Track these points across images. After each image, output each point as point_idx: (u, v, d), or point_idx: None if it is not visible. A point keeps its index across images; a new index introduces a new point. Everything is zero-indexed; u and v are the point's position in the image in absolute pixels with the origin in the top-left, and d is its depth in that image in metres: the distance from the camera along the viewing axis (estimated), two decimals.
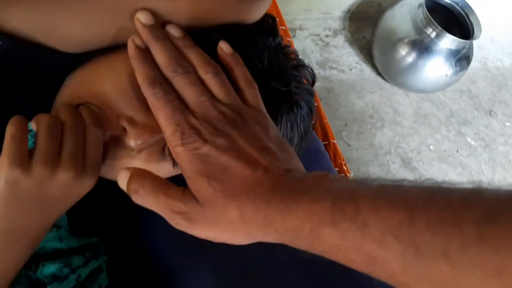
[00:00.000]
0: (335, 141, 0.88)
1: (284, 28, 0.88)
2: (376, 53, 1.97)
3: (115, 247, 0.56)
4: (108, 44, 0.44)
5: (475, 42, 2.50)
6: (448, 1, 1.87)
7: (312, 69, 0.53)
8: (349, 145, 1.75)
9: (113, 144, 0.43)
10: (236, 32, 0.44)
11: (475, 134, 2.09)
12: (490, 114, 2.22)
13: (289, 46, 0.52)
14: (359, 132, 1.81)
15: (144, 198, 0.35)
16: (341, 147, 1.70)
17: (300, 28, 1.98)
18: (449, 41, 1.77)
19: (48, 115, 0.38)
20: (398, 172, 1.78)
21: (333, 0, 1.98)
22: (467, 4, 1.84)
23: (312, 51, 1.94)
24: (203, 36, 0.42)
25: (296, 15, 1.96)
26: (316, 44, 1.98)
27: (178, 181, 0.37)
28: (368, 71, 2.03)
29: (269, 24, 0.49)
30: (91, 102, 0.41)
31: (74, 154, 0.38)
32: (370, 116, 1.89)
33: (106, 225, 0.59)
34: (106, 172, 0.44)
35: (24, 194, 0.36)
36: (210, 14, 0.43)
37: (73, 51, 0.44)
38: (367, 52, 2.06)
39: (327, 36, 2.04)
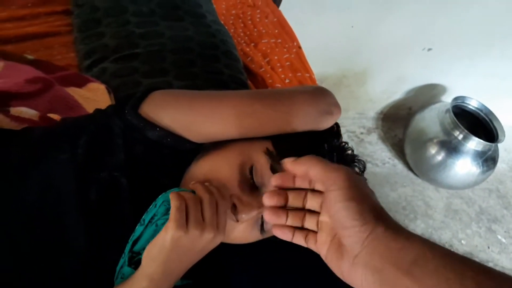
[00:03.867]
0: None
1: None
2: (407, 150, 2.16)
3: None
4: (225, 139, 0.63)
5: (502, 146, 2.68)
6: (473, 108, 2.08)
7: (363, 161, 0.71)
8: None
9: (225, 215, 0.60)
10: (314, 137, 0.63)
11: (505, 232, 2.16)
12: None
13: (347, 144, 0.70)
14: None
15: None
16: None
17: None
18: (475, 143, 1.94)
19: (192, 194, 0.55)
20: None
21: (367, 102, 2.23)
22: (490, 111, 2.05)
23: None
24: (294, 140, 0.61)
25: None
26: (352, 140, 2.20)
27: None
28: (400, 166, 2.20)
29: (335, 130, 0.68)
30: (213, 183, 0.59)
31: (213, 220, 0.54)
32: (403, 208, 2.01)
33: (200, 271, 0.73)
34: None
35: (181, 247, 0.51)
36: (299, 128, 0.62)
37: (200, 142, 0.64)
38: (399, 149, 2.25)
39: (362, 133, 2.26)
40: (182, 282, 0.66)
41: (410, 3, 1.69)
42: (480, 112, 2.08)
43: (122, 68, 0.92)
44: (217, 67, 0.99)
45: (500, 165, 2.56)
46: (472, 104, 2.08)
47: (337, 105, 0.66)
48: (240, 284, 0.71)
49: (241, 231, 0.61)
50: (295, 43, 1.22)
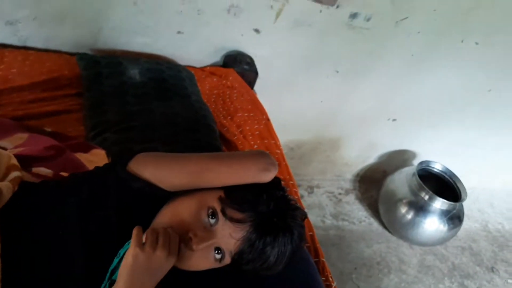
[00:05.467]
0: (324, 260, 1.16)
1: (292, 182, 1.29)
2: (381, 210, 2.36)
3: None
4: (191, 188, 0.85)
5: (475, 206, 2.87)
6: (438, 171, 2.31)
7: (305, 212, 0.91)
8: (358, 286, 2.01)
9: (183, 247, 0.80)
10: (257, 189, 0.85)
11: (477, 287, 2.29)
12: (492, 271, 2.43)
13: (290, 196, 0.91)
14: (368, 276, 2.08)
15: None
16: None
17: (317, 186, 2.44)
18: (440, 203, 2.15)
19: (152, 229, 0.75)
20: None
21: (344, 165, 2.47)
22: (453, 174, 2.27)
23: (327, 205, 2.36)
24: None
25: (314, 175, 2.44)
26: (331, 199, 2.41)
27: None
28: (375, 224, 2.39)
29: (276, 183, 0.90)
30: (173, 226, 0.79)
31: (165, 244, 0.73)
32: (378, 263, 2.17)
33: None
34: (176, 262, 0.81)
35: (140, 263, 0.71)
36: (244, 180, 0.84)
37: (172, 190, 0.86)
38: (374, 209, 2.45)
39: (340, 194, 2.47)
40: None
41: (372, 81, 1.98)
42: (445, 175, 2.31)
43: (120, 138, 1.17)
44: (196, 136, 1.24)
45: (473, 224, 2.74)
46: (437, 167, 2.31)
47: (273, 164, 0.88)
48: None
49: (197, 259, 0.80)
50: (264, 116, 1.48)
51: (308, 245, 1.16)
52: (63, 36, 1.38)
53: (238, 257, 0.78)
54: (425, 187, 2.15)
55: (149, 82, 1.35)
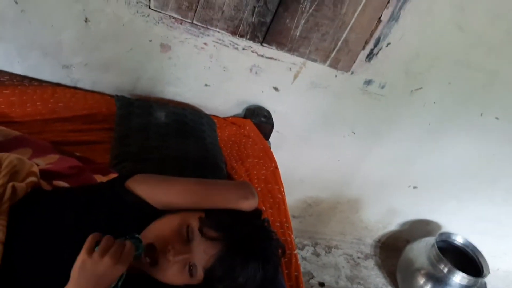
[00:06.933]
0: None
1: (288, 225, 1.37)
2: (399, 278, 2.30)
3: None
4: (177, 208, 0.97)
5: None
6: (459, 243, 2.25)
7: (283, 245, 0.99)
8: None
9: (162, 258, 0.90)
10: (236, 214, 0.95)
11: None
12: None
13: (269, 228, 1.00)
14: None
15: None
16: None
17: (336, 247, 2.44)
18: (459, 277, 2.07)
19: (108, 237, 0.79)
20: None
21: (363, 229, 2.47)
22: (476, 248, 2.20)
23: (343, 267, 2.34)
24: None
25: (333, 236, 2.46)
26: (348, 262, 2.39)
27: None
28: None
29: (257, 214, 1.00)
30: (157, 240, 0.90)
31: (116, 253, 0.76)
32: None
33: None
34: (155, 273, 0.90)
35: (87, 268, 0.74)
36: (223, 205, 0.95)
37: (160, 208, 0.98)
38: (393, 277, 2.39)
39: (358, 257, 2.45)
40: None
41: (389, 146, 2.05)
42: (467, 249, 2.24)
43: (136, 167, 1.34)
44: (203, 172, 1.39)
45: None
46: (458, 239, 2.26)
47: (252, 194, 0.99)
48: None
49: (173, 271, 0.90)
50: (273, 164, 1.61)
51: (291, 284, 1.22)
52: (107, 81, 1.63)
53: (209, 273, 0.87)
54: (444, 258, 2.10)
55: (172, 123, 1.54)
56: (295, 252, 1.33)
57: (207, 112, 1.76)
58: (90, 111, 1.52)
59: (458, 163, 2.15)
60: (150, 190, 0.98)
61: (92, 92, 1.61)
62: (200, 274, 0.88)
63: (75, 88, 1.60)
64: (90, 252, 0.76)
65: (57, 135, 1.41)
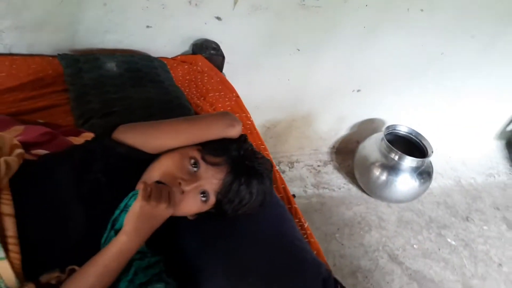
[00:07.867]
0: (296, 206, 1.32)
1: (263, 146, 1.46)
2: (357, 175, 2.54)
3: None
4: (170, 149, 1.01)
5: (448, 164, 3.06)
6: (404, 133, 2.50)
7: (270, 161, 1.08)
8: (342, 244, 2.18)
9: (176, 191, 0.95)
10: (227, 141, 1.01)
11: (454, 235, 2.48)
12: (467, 220, 2.63)
13: (254, 149, 1.07)
14: (350, 234, 2.25)
15: None
16: (334, 246, 2.14)
17: (297, 161, 2.61)
18: (409, 161, 2.33)
19: (155, 185, 0.89)
20: (386, 265, 2.16)
21: (319, 140, 2.65)
22: (419, 133, 2.46)
23: (307, 177, 2.53)
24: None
25: (293, 152, 2.62)
26: (310, 172, 2.58)
27: None
28: (354, 189, 2.57)
29: (243, 138, 1.06)
30: (163, 178, 0.95)
31: (166, 197, 0.88)
32: (359, 222, 2.35)
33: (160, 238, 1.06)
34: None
35: (145, 212, 0.84)
36: (215, 136, 1.00)
37: (154, 153, 1.01)
38: (351, 176, 2.63)
39: (318, 166, 2.65)
40: (154, 259, 0.98)
41: (331, 55, 2.16)
42: (411, 135, 2.50)
43: (104, 122, 1.33)
44: (171, 115, 1.39)
45: (447, 181, 2.94)
46: (403, 129, 2.50)
47: (237, 120, 1.05)
48: (190, 246, 1.06)
49: (187, 202, 0.95)
50: (234, 94, 1.65)
51: (281, 195, 1.33)
52: (43, 42, 1.53)
53: (221, 196, 0.94)
54: (393, 148, 2.33)
55: (125, 73, 1.51)
56: (276, 168, 1.43)
57: (154, 55, 1.73)
58: (36, 76, 1.44)
59: (393, 60, 2.32)
60: (140, 136, 1.00)
61: (31, 55, 1.51)
62: (212, 199, 0.95)
63: (10, 55, 1.49)
64: (147, 198, 0.84)
65: (9, 106, 1.34)
